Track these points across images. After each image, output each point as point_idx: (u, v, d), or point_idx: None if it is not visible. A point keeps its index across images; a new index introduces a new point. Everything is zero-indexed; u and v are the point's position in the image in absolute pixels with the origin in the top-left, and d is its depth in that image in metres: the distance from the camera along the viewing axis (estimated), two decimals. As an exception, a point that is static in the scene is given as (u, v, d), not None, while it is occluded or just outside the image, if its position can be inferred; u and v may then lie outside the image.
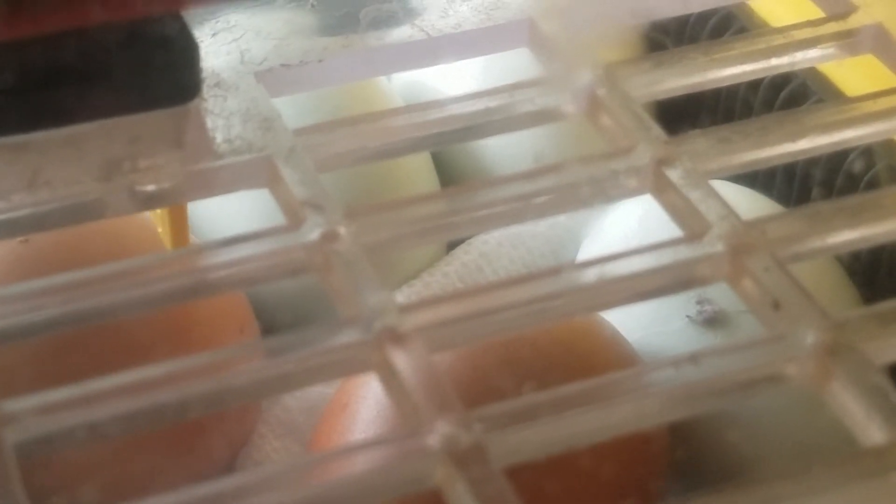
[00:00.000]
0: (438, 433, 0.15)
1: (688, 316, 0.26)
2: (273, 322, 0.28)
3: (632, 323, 0.26)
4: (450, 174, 0.32)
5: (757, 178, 0.29)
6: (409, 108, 0.20)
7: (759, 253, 0.17)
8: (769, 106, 0.30)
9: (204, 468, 0.26)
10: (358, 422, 0.24)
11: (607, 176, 0.19)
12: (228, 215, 0.28)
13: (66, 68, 0.17)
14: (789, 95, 0.29)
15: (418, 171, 0.30)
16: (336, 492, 0.15)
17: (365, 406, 0.24)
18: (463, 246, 0.30)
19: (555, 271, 0.17)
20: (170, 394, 0.15)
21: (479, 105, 0.20)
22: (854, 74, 0.27)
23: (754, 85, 0.30)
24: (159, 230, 0.21)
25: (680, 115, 0.31)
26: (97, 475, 0.23)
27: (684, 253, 0.18)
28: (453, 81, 0.31)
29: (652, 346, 0.26)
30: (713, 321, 0.26)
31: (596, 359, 0.24)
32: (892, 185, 0.25)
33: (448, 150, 0.32)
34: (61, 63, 0.17)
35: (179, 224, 0.20)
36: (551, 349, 0.24)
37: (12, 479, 0.14)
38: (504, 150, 0.31)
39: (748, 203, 0.27)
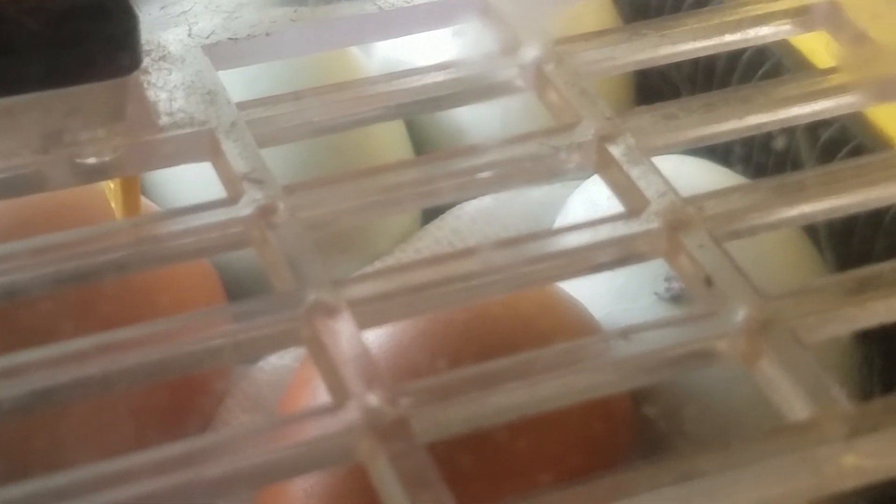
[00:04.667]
0: (364, 408, 0.15)
1: (655, 293, 0.26)
2: (244, 292, 0.28)
3: (599, 299, 0.26)
4: (424, 146, 0.32)
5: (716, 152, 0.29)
6: (355, 83, 0.20)
7: (696, 230, 0.17)
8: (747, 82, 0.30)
9: (170, 441, 0.26)
10: (319, 397, 0.24)
11: (549, 152, 0.19)
12: (199, 183, 0.28)
13: (2, 38, 0.17)
14: (765, 73, 0.29)
15: (392, 144, 0.30)
16: (259, 466, 0.15)
17: (327, 381, 0.24)
18: (436, 221, 0.30)
19: (492, 246, 0.17)
20: (96, 366, 0.15)
21: (427, 80, 0.20)
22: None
23: (732, 62, 0.30)
24: (112, 204, 0.21)
25: (659, 93, 0.31)
26: (66, 445, 0.24)
27: (622, 229, 0.18)
28: (432, 56, 0.31)
29: (619, 322, 0.26)
30: (680, 298, 0.26)
31: (558, 334, 0.24)
32: (817, 162, 0.25)
33: (423, 121, 0.31)
34: (-3, 35, 0.17)
35: (131, 196, 0.20)
36: (512, 324, 0.24)
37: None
38: (480, 122, 0.31)
39: (709, 177, 0.27)
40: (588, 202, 0.29)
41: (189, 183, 0.29)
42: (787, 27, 0.21)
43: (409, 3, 0.21)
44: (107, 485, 0.14)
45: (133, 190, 0.20)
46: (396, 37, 0.21)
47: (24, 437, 0.22)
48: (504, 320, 0.24)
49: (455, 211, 0.30)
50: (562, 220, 0.29)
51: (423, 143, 0.31)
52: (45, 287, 0.16)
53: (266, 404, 0.27)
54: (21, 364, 0.15)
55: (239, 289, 0.28)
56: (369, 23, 0.21)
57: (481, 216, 0.30)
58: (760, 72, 0.29)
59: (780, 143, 0.26)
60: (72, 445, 0.24)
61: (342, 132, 0.20)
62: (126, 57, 0.18)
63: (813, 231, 0.25)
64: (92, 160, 0.18)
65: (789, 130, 0.26)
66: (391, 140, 0.30)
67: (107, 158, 0.18)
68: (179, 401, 0.26)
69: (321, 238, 0.17)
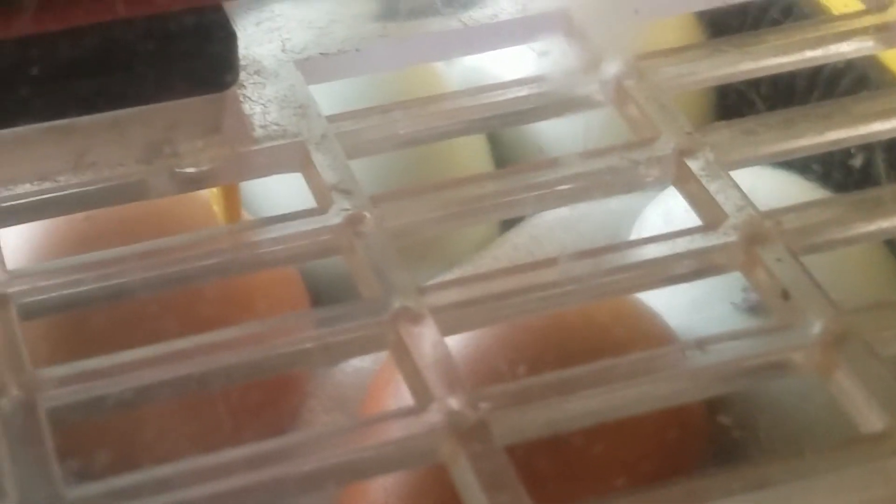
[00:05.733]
0: (445, 411, 0.16)
1: (732, 303, 0.26)
2: (331, 298, 0.29)
3: (675, 308, 0.27)
4: (507, 160, 0.32)
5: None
6: (440, 98, 0.20)
7: (773, 243, 0.18)
8: (829, 97, 0.30)
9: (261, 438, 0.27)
10: (400, 399, 0.25)
11: (629, 166, 0.19)
12: (280, 192, 0.29)
13: (112, 57, 0.18)
14: (847, 87, 0.29)
15: (474, 156, 0.31)
16: (347, 463, 0.16)
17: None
18: (514, 229, 0.30)
19: (571, 257, 0.18)
20: (194, 365, 0.16)
21: (509, 94, 0.21)
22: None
23: (813, 76, 0.30)
24: (214, 208, 0.22)
25: (739, 105, 0.31)
26: (167, 438, 0.25)
27: (700, 242, 0.18)
28: (512, 68, 0.31)
29: (695, 331, 0.26)
30: (757, 309, 0.26)
31: (633, 343, 0.25)
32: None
33: (506, 136, 0.32)
34: (107, 51, 0.18)
35: (232, 202, 0.21)
36: (588, 332, 0.25)
37: (45, 443, 0.15)
38: (561, 136, 0.31)
39: (788, 189, 0.27)
40: (664, 214, 0.29)
41: (271, 192, 0.29)
42: (869, 43, 0.22)
43: (493, 19, 0.22)
44: (205, 477, 0.15)
45: (234, 197, 0.21)
46: (480, 52, 0.22)
47: (129, 431, 0.23)
48: (580, 328, 0.24)
49: (533, 219, 0.30)
50: (638, 231, 0.30)
51: (505, 158, 0.32)
52: (150, 289, 0.17)
53: (347, 405, 0.28)
54: (124, 363, 0.16)
55: (316, 294, 0.29)
56: (454, 38, 0.21)
57: (559, 225, 0.30)
58: (842, 85, 0.29)
59: (858, 160, 0.26)
60: (172, 439, 0.25)
61: (426, 144, 0.21)
62: (225, 73, 0.19)
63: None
64: (191, 170, 0.19)
65: (867, 147, 0.26)
66: (473, 152, 0.31)
67: (204, 168, 0.19)
68: (270, 400, 0.27)
69: (402, 244, 0.18)
